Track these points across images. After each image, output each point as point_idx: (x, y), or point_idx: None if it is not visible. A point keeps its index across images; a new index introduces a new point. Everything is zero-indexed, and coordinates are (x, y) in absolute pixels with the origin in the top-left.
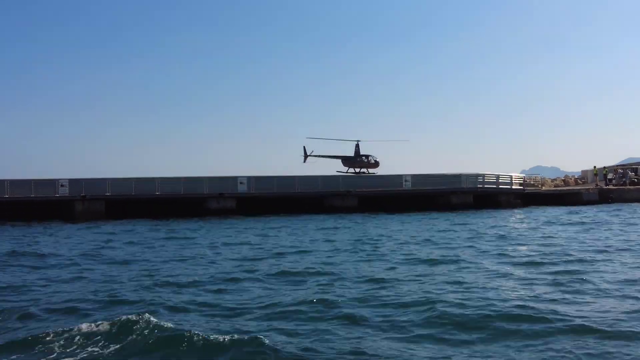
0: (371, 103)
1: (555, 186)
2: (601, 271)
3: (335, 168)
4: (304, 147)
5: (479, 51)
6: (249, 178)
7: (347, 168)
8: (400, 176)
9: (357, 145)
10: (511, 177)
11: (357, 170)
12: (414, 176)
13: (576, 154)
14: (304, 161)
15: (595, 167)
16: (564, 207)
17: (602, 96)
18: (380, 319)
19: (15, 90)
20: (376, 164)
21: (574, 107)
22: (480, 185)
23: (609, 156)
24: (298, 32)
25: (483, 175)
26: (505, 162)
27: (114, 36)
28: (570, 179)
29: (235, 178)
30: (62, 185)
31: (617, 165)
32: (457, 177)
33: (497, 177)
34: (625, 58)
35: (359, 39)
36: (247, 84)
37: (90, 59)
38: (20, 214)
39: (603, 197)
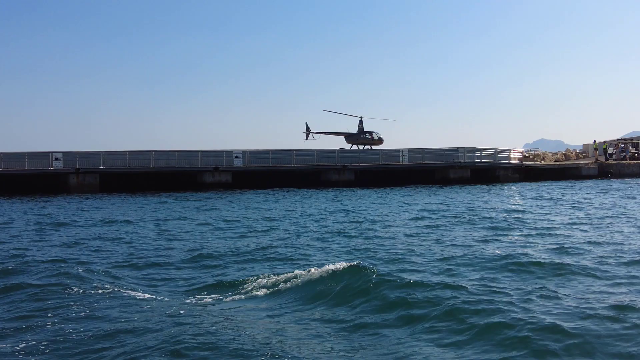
0: (375, 78)
1: (555, 160)
2: None
3: (338, 145)
4: (306, 123)
5: (482, 24)
6: (245, 152)
7: (350, 145)
8: (397, 150)
9: (361, 122)
10: (509, 151)
11: (361, 147)
12: (411, 150)
13: (580, 127)
14: (306, 138)
15: (595, 141)
16: (557, 182)
17: (608, 69)
18: None
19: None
20: (380, 141)
21: (578, 79)
22: (478, 160)
23: (614, 129)
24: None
25: (481, 150)
26: (509, 135)
27: (115, 8)
28: (572, 152)
29: (230, 152)
30: (56, 158)
31: (618, 140)
32: (454, 152)
33: (495, 151)
34: (631, 30)
35: (364, 17)
36: (246, 58)
37: (88, 30)
38: (14, 188)
39: (602, 172)
